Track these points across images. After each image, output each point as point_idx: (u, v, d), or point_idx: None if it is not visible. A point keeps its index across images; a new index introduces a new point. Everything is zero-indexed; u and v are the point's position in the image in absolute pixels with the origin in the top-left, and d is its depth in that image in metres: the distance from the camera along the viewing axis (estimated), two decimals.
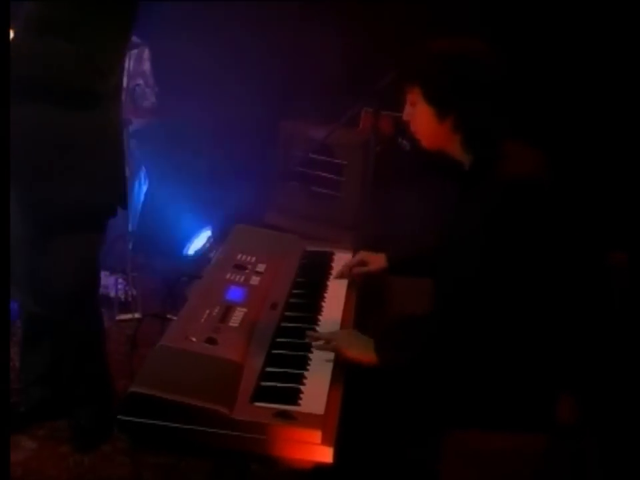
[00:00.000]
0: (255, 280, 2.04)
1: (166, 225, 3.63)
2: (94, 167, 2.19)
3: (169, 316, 2.83)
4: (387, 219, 3.52)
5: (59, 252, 2.24)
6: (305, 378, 1.67)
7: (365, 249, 2.27)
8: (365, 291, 2.22)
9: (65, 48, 2.01)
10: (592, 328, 2.01)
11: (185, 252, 3.62)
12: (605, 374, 2.12)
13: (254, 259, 2.15)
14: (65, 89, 2.07)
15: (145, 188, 3.72)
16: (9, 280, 1.77)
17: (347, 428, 1.56)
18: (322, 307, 2.03)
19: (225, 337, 1.74)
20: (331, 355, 1.75)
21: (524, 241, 1.65)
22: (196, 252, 3.61)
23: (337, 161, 3.60)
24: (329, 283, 2.17)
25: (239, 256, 2.16)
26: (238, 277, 2.04)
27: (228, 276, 2.04)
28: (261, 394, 1.59)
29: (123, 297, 3.43)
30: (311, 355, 1.76)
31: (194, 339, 1.71)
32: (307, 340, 1.81)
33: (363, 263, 2.20)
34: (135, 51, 3.52)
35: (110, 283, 3.46)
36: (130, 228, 3.46)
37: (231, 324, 1.81)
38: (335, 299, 2.08)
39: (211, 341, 1.71)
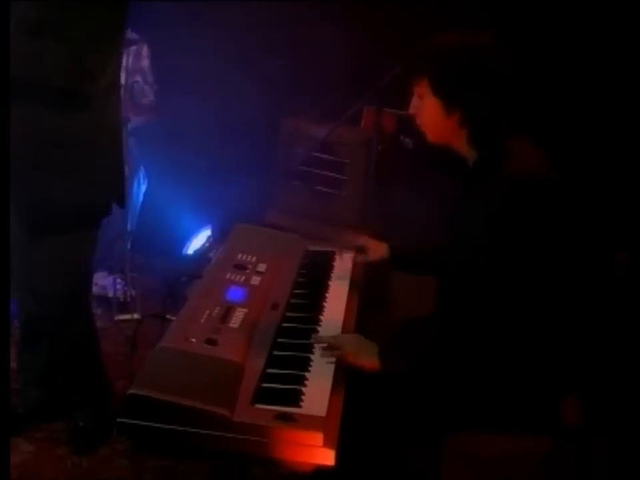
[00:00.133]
0: (255, 280, 2.05)
1: (165, 224, 3.64)
2: (86, 166, 2.20)
3: (168, 316, 2.82)
4: (389, 217, 3.52)
5: (53, 251, 2.25)
6: (307, 379, 1.67)
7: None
8: (367, 290, 2.22)
9: (54, 49, 2.03)
10: (597, 329, 2.01)
11: (184, 251, 3.63)
12: (611, 375, 2.12)
13: (254, 258, 2.15)
14: (53, 89, 2.09)
15: (144, 187, 3.73)
16: (9, 280, 1.78)
17: (348, 430, 1.57)
18: (323, 307, 2.03)
19: (225, 337, 1.74)
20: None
21: (529, 240, 1.66)
22: (196, 251, 3.61)
23: (338, 159, 3.61)
24: (330, 283, 2.17)
25: (240, 256, 2.16)
26: (238, 276, 2.04)
27: (228, 276, 2.04)
28: (262, 395, 1.59)
29: (121, 297, 3.44)
30: (312, 356, 1.76)
31: (194, 340, 1.71)
32: (311, 341, 1.81)
33: (363, 249, 2.19)
34: (133, 48, 3.52)
35: (109, 283, 3.46)
36: (129, 227, 3.46)
37: (231, 324, 1.81)
38: (336, 299, 2.08)
39: (211, 341, 1.72)
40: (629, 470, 2.06)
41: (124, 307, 3.40)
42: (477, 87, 1.72)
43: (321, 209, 3.68)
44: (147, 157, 3.73)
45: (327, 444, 1.47)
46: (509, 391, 1.73)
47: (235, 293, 1.95)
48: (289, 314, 1.95)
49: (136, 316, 3.33)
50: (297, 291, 2.09)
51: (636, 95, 3.16)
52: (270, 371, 1.69)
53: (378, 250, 2.17)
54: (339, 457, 1.47)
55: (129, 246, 3.46)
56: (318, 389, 1.63)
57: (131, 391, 1.51)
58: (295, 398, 1.59)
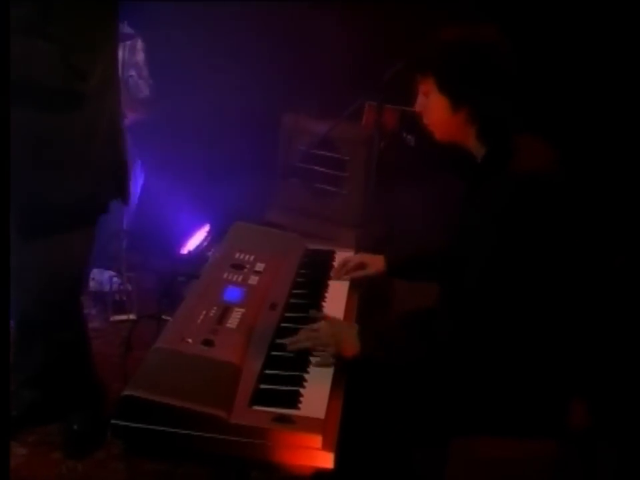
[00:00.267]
0: (253, 279, 2.05)
1: (162, 222, 3.64)
2: (80, 165, 2.21)
3: (164, 317, 2.83)
4: (391, 216, 3.52)
5: (47, 252, 2.26)
6: (305, 380, 1.67)
7: (368, 248, 2.27)
8: (367, 290, 2.22)
9: (42, 48, 2.03)
10: (604, 330, 2.01)
11: (181, 250, 3.63)
12: (618, 378, 2.12)
13: (253, 257, 2.15)
14: (42, 89, 2.09)
15: (140, 184, 3.73)
16: (9, 280, 1.78)
17: (348, 432, 1.57)
18: (323, 307, 2.03)
19: (223, 338, 1.74)
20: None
21: (537, 238, 1.65)
22: (193, 250, 3.61)
23: (339, 156, 3.61)
24: (330, 283, 2.17)
25: (237, 255, 2.16)
26: (236, 276, 2.04)
27: (226, 275, 2.04)
28: (260, 397, 1.59)
29: (117, 297, 3.44)
30: (311, 357, 1.76)
31: (190, 341, 1.71)
32: (288, 347, 1.79)
33: (361, 266, 2.20)
34: (128, 42, 3.52)
35: (104, 283, 3.46)
36: (124, 225, 3.47)
37: (228, 325, 1.81)
38: (336, 299, 2.08)
39: (208, 342, 1.72)
40: (635, 474, 2.06)
41: (119, 307, 3.41)
42: (485, 81, 1.71)
43: (321, 207, 3.68)
44: (143, 154, 3.73)
45: (325, 446, 1.47)
46: (514, 393, 1.73)
47: (232, 293, 1.95)
48: (287, 314, 1.95)
49: (132, 316, 3.34)
50: (295, 291, 2.09)
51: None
52: (268, 372, 1.69)
53: (375, 264, 2.18)
54: (338, 460, 1.47)
55: (124, 244, 3.46)
56: (317, 391, 1.63)
57: (126, 393, 1.51)
58: (293, 400, 1.59)
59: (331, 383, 1.67)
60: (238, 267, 2.10)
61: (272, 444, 1.48)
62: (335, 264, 2.28)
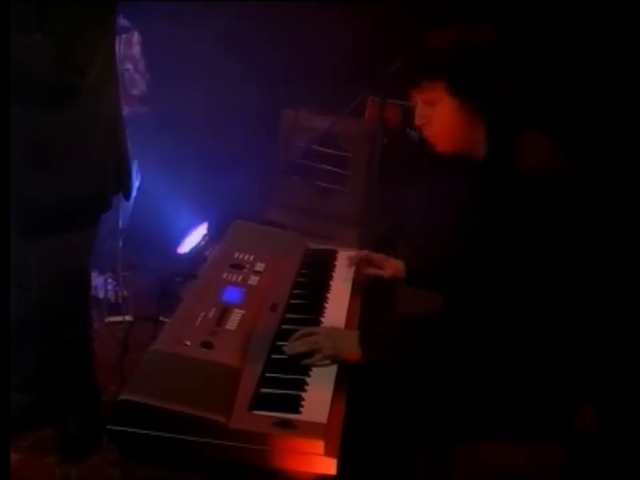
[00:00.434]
0: (253, 280, 2.05)
1: (159, 221, 3.63)
2: (79, 162, 2.21)
3: (162, 318, 2.83)
4: (394, 214, 3.52)
5: (46, 251, 2.26)
6: (307, 384, 1.67)
7: (371, 247, 2.27)
8: (370, 291, 2.22)
9: (40, 43, 2.03)
10: (614, 334, 2.01)
11: (179, 250, 3.63)
12: (628, 382, 2.12)
13: (252, 257, 2.15)
14: (40, 85, 2.09)
15: (137, 182, 3.72)
16: (8, 280, 1.78)
17: (350, 438, 1.57)
18: (325, 308, 2.03)
19: (222, 340, 1.74)
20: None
21: (540, 240, 1.65)
22: (191, 250, 3.61)
23: (341, 153, 3.60)
24: (332, 283, 2.17)
25: (237, 254, 2.16)
26: (235, 276, 2.05)
27: (225, 275, 2.04)
28: (260, 401, 1.59)
29: (113, 298, 3.44)
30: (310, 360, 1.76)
31: (188, 343, 1.71)
32: (286, 353, 1.79)
33: (378, 265, 2.20)
34: (124, 35, 3.52)
35: (99, 283, 3.46)
36: (121, 224, 3.46)
37: (227, 327, 1.81)
38: (338, 300, 2.08)
39: (207, 344, 1.72)
40: None
41: (115, 308, 3.41)
42: (493, 77, 1.72)
43: (323, 206, 3.68)
44: (139, 151, 3.72)
45: (328, 452, 1.48)
46: (519, 396, 1.73)
47: (231, 294, 1.95)
48: (288, 315, 1.95)
49: (128, 318, 3.34)
50: (296, 292, 2.09)
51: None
52: (268, 375, 1.69)
53: (393, 267, 2.19)
54: (340, 466, 1.47)
55: (120, 244, 3.46)
56: (319, 395, 1.63)
57: (122, 397, 1.51)
58: (294, 404, 1.59)
59: (333, 387, 1.67)
60: (237, 266, 2.10)
61: (272, 449, 1.48)
62: (337, 263, 2.28)
